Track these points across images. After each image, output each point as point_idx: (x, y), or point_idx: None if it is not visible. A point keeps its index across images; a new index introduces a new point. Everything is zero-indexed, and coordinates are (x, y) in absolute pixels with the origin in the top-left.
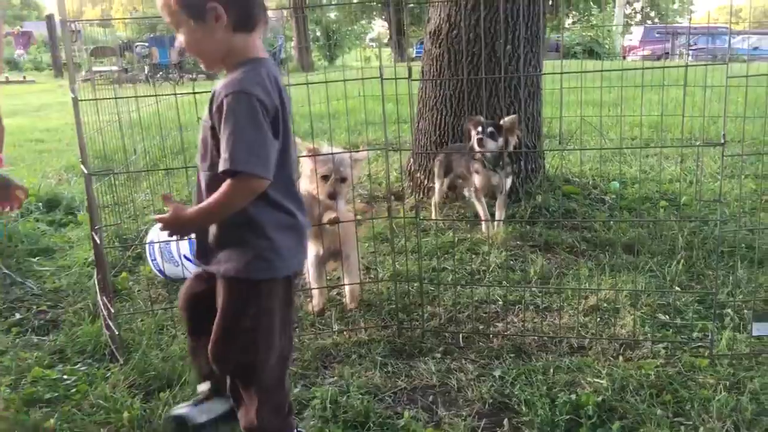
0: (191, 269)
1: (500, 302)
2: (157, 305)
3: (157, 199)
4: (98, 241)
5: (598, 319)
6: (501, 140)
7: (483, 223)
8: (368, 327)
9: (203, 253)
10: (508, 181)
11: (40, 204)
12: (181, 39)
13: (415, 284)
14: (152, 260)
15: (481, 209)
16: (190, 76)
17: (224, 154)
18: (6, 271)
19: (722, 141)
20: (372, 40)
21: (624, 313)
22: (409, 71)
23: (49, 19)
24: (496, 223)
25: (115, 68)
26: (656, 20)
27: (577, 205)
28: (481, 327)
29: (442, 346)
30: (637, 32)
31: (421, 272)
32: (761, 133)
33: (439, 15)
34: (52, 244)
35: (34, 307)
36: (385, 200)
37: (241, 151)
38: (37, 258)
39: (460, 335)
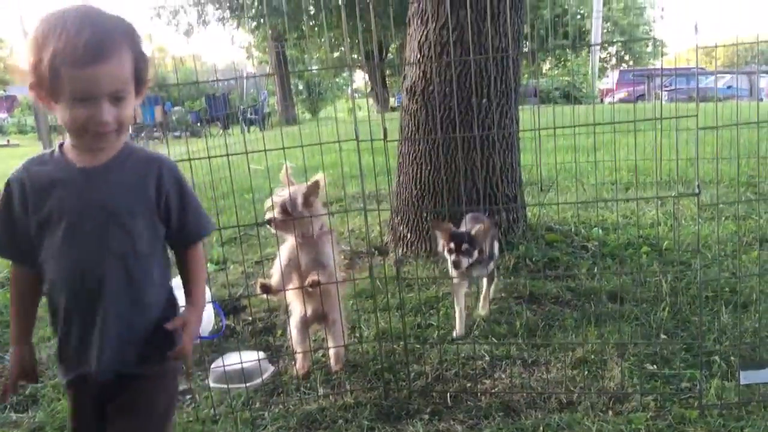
0: None
1: (487, 358)
2: None
3: None
4: None
5: (586, 372)
6: (476, 252)
7: (457, 323)
8: (354, 389)
9: (121, 355)
10: (491, 266)
11: None
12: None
13: (401, 342)
14: None
15: (458, 310)
16: (175, 134)
17: (198, 220)
18: None
19: (696, 191)
20: (355, 91)
21: (611, 364)
22: (384, 132)
23: None
24: (480, 308)
25: None
26: (631, 63)
27: (560, 254)
28: (468, 385)
29: (429, 406)
30: (612, 75)
31: (405, 330)
32: (736, 173)
33: (415, 72)
34: None
35: None
36: (368, 256)
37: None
38: None
39: (448, 394)
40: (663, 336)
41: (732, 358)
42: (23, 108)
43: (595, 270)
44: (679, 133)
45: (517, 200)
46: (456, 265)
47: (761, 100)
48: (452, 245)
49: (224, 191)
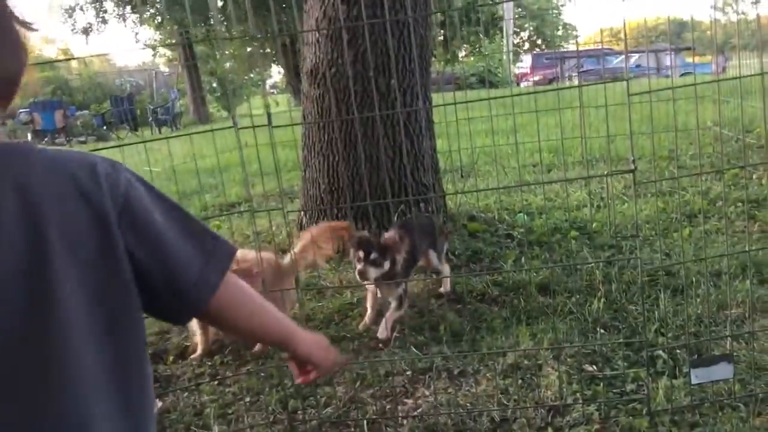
0: None
1: (408, 372)
2: None
3: None
4: None
5: (520, 380)
6: (387, 264)
7: (368, 313)
8: (254, 425)
9: None
10: (398, 291)
11: None
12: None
13: None
14: None
15: (369, 304)
16: (80, 139)
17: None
18: None
19: (632, 167)
20: (272, 87)
21: (547, 369)
22: (269, 117)
23: None
24: (382, 326)
25: None
26: (543, 47)
27: (483, 245)
28: (388, 407)
29: None
30: (527, 59)
31: None
32: (659, 148)
33: (315, 53)
34: None
35: None
36: None
37: None
38: None
39: (365, 422)
40: (601, 331)
41: (677, 351)
42: None
43: (523, 260)
44: (594, 110)
45: (434, 189)
46: (361, 275)
47: (667, 76)
48: (361, 254)
49: None
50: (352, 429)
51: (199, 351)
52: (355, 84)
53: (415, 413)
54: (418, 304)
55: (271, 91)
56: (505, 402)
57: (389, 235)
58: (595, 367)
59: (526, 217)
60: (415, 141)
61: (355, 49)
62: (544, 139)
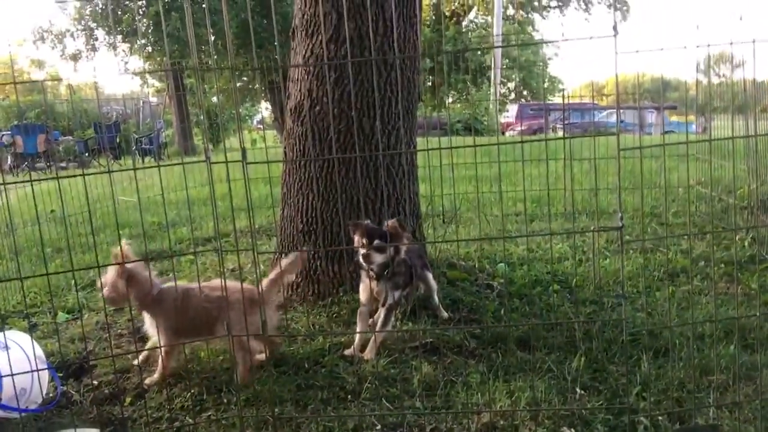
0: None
1: (378, 426)
2: None
3: None
4: None
5: None
6: (391, 250)
7: (357, 336)
8: None
9: None
10: (396, 294)
11: None
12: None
13: (276, 409)
14: None
15: (358, 328)
16: (62, 165)
17: None
18: None
19: (620, 224)
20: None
21: (524, 430)
22: (243, 153)
23: None
24: (370, 344)
25: None
26: (529, 98)
27: (463, 294)
28: None
29: None
30: (512, 109)
31: (283, 393)
32: (640, 203)
33: (299, 90)
34: None
35: None
36: None
37: None
38: None
39: None
40: (580, 391)
41: (660, 418)
42: None
43: (502, 312)
44: (577, 163)
45: (415, 235)
46: (366, 258)
47: (649, 133)
48: (365, 240)
49: (97, 226)
50: None
51: (156, 376)
52: (339, 123)
53: None
54: (393, 355)
55: (258, 126)
56: None
57: (391, 223)
58: (574, 431)
59: (507, 267)
60: (397, 184)
61: (341, 88)
62: (528, 189)
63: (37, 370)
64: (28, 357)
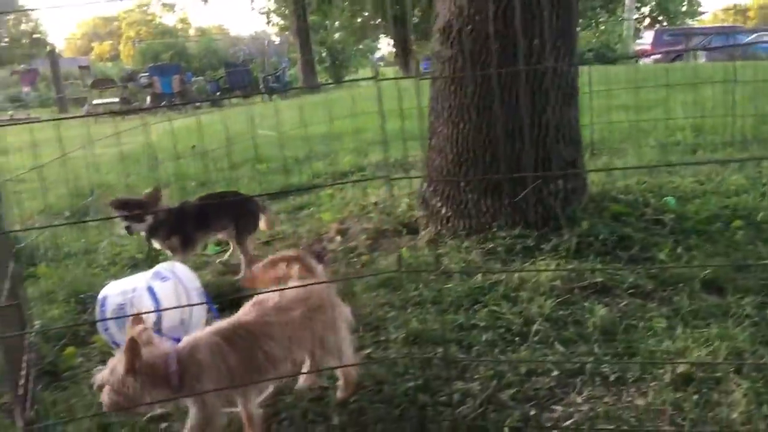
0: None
1: (555, 373)
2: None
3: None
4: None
5: (696, 396)
6: (149, 218)
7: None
8: (379, 421)
9: None
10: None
11: None
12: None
13: (439, 350)
14: (104, 330)
15: None
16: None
17: None
18: None
19: None
20: (379, 59)
21: (728, 383)
22: (417, 66)
23: (52, 54)
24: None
25: (116, 100)
26: (665, 23)
27: (631, 230)
28: (532, 413)
29: None
30: (647, 36)
31: (445, 332)
32: None
33: (449, 9)
34: None
35: None
36: (395, 235)
37: None
38: None
39: (506, 428)
40: None
41: None
42: (44, 81)
43: (679, 250)
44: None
45: (576, 165)
46: (128, 230)
47: None
48: (122, 213)
49: (236, 161)
50: None
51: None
52: (494, 44)
53: (567, 423)
54: (561, 296)
55: (379, 63)
56: (680, 421)
57: (146, 191)
58: None
59: (674, 201)
60: (557, 109)
61: (495, 4)
62: (682, 117)
63: (194, 305)
64: (186, 288)
